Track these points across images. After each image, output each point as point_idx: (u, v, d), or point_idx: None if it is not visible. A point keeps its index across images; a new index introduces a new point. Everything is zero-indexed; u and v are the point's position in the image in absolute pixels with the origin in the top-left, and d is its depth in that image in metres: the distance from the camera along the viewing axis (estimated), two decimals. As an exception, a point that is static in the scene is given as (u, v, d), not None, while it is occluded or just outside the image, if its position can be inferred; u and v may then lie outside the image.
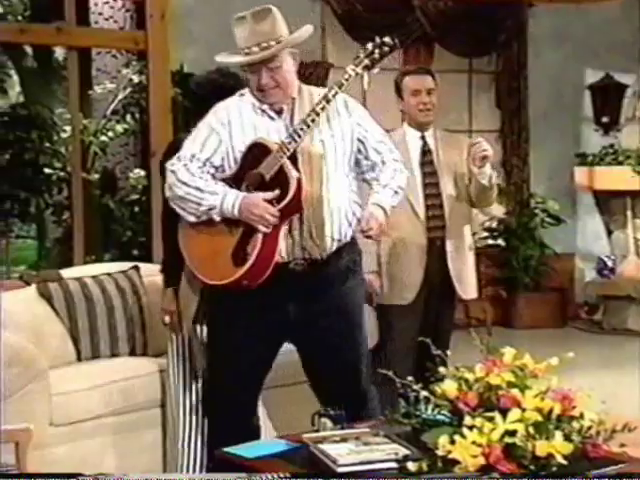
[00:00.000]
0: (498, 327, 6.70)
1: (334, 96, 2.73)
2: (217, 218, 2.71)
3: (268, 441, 2.70)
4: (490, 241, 7.16)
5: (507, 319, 6.94)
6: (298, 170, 2.68)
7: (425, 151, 3.56)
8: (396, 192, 2.88)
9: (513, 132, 7.17)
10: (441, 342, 3.29)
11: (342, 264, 2.83)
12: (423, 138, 3.57)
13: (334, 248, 2.79)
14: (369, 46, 2.79)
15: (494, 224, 7.16)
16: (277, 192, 2.66)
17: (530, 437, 1.99)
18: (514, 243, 6.99)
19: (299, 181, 2.67)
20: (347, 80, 2.75)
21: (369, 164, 2.87)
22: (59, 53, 7.52)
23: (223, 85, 3.03)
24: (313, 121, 2.70)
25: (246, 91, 2.82)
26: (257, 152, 2.72)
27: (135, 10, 5.85)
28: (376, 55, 2.78)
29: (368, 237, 2.81)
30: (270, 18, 2.76)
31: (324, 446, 2.44)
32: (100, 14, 6.09)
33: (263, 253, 2.69)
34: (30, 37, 5.18)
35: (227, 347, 2.86)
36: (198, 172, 2.75)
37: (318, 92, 2.81)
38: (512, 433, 2.02)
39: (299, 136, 2.68)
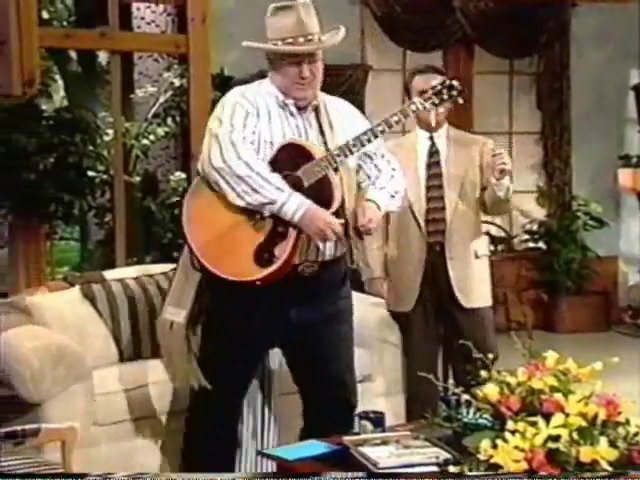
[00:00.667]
0: (539, 331, 6.63)
1: (397, 123, 2.73)
2: (266, 213, 2.59)
3: (309, 443, 2.70)
4: (531, 244, 7.09)
5: (548, 323, 6.86)
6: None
7: (432, 152, 3.48)
8: (392, 196, 2.83)
9: (555, 134, 7.08)
10: (462, 352, 3.23)
11: (343, 268, 2.82)
12: (431, 139, 3.49)
13: (344, 249, 2.77)
14: (437, 85, 2.80)
15: (535, 227, 7.09)
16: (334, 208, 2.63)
17: (574, 443, 1.97)
18: (555, 246, 6.90)
19: (342, 195, 2.64)
20: (414, 112, 2.79)
21: (367, 173, 2.85)
22: (102, 57, 7.62)
23: None
24: (369, 141, 2.68)
25: (266, 82, 2.75)
26: (294, 153, 2.65)
27: (176, 14, 5.91)
28: (444, 96, 2.79)
29: (366, 233, 2.73)
30: (313, 12, 2.76)
31: (364, 449, 2.44)
32: (142, 18, 6.16)
33: (289, 257, 2.63)
34: (75, 42, 5.26)
35: (225, 345, 2.75)
36: (254, 154, 2.60)
37: (328, 98, 2.86)
38: (555, 438, 2.00)
39: (351, 152, 2.65)
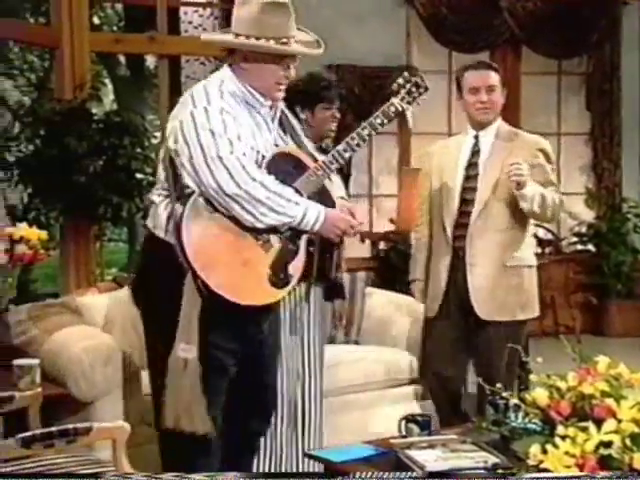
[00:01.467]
0: (588, 335, 6.52)
1: (380, 125, 2.66)
2: (283, 229, 2.49)
3: (355, 445, 2.70)
4: (579, 246, 6.99)
5: (597, 327, 6.74)
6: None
7: (474, 152, 3.23)
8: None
9: (604, 135, 6.97)
10: (488, 364, 3.12)
11: None
12: (476, 137, 3.25)
13: None
14: (404, 83, 2.72)
15: (584, 229, 6.99)
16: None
17: (627, 449, 1.93)
18: (605, 248, 6.79)
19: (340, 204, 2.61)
20: (394, 113, 2.69)
21: None
22: (150, 61, 7.74)
23: (306, 91, 3.02)
24: (358, 145, 2.63)
25: (228, 79, 2.47)
26: (285, 162, 2.54)
27: (223, 17, 5.97)
28: (415, 94, 2.72)
29: (355, 235, 2.69)
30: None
31: (411, 452, 2.43)
32: (190, 22, 6.24)
33: (303, 274, 2.57)
34: (124, 46, 5.36)
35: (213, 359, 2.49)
36: (261, 170, 2.44)
37: None
38: (607, 444, 1.96)
39: (343, 158, 2.58)
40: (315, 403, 3.03)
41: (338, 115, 3.06)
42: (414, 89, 2.72)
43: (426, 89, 2.73)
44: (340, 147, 2.63)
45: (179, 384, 2.39)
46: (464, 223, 3.17)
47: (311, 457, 2.70)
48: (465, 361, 3.32)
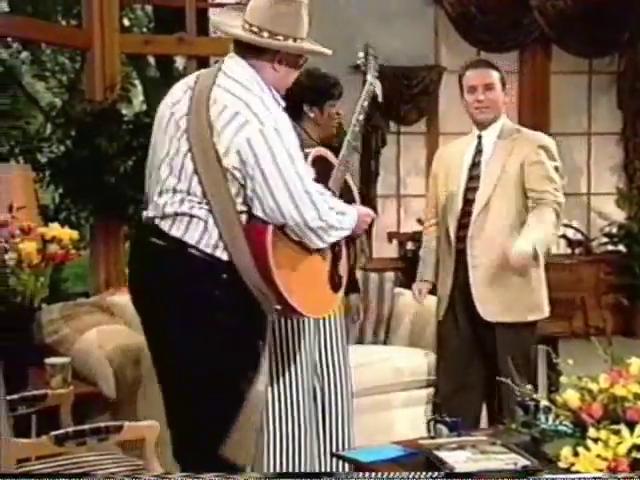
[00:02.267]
0: (618, 336, 6.45)
1: (368, 106, 2.70)
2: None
3: (384, 446, 2.69)
4: (610, 247, 6.92)
5: (629, 328, 6.67)
6: None
7: (477, 152, 3.17)
8: None
9: (636, 134, 6.89)
10: (496, 367, 3.01)
11: None
12: (480, 137, 3.17)
13: None
14: (362, 58, 2.81)
15: (614, 229, 6.91)
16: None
17: (660, 452, 1.91)
18: (636, 249, 6.72)
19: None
20: (372, 91, 2.73)
21: None
22: (179, 62, 7.79)
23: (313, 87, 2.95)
24: (360, 131, 2.70)
25: (257, 79, 2.29)
26: (321, 163, 2.55)
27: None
28: (376, 66, 2.78)
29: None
30: None
31: (440, 453, 2.42)
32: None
33: (347, 272, 2.59)
34: (153, 48, 5.40)
35: None
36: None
37: None
38: (640, 447, 1.94)
39: (355, 149, 2.63)
40: (338, 402, 3.02)
41: (342, 112, 3.00)
42: (374, 61, 2.78)
43: (376, 58, 2.77)
44: (349, 137, 2.66)
45: (254, 419, 2.27)
46: (467, 224, 3.11)
47: (339, 457, 2.70)
48: (479, 367, 3.21)
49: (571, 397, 2.18)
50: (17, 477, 2.16)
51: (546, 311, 3.19)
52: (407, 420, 3.51)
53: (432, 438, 2.61)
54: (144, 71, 8.00)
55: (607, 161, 7.05)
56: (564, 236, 6.82)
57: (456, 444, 2.48)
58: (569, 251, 6.76)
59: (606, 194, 7.01)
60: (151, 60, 7.93)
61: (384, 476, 1.99)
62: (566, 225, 6.96)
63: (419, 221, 5.81)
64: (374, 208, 6.45)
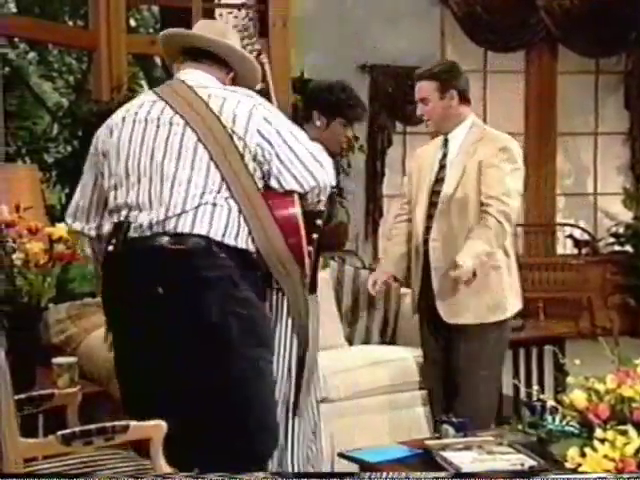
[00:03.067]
0: (625, 337, 6.43)
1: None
2: None
3: (390, 446, 2.69)
4: (617, 247, 6.90)
5: (636, 328, 6.65)
6: None
7: (443, 155, 3.15)
8: None
9: (643, 134, 6.88)
10: (459, 369, 3.04)
11: None
12: (446, 140, 3.15)
13: None
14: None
15: (621, 229, 6.90)
16: None
17: (667, 453, 1.90)
18: (643, 249, 6.70)
19: None
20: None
21: None
22: (185, 63, 7.79)
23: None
24: None
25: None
26: None
27: (258, 19, 5.99)
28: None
29: None
30: None
31: (446, 453, 2.42)
32: (225, 24, 6.28)
33: None
34: (159, 48, 5.41)
35: None
36: None
37: None
38: (647, 448, 1.94)
39: None
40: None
41: (350, 135, 2.99)
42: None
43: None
44: None
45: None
46: (430, 227, 3.11)
47: (346, 457, 2.69)
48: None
49: (578, 397, 2.17)
50: (20, 477, 2.18)
51: (508, 311, 3.12)
52: (413, 420, 3.51)
53: (438, 438, 2.61)
54: (150, 71, 8.01)
55: (614, 161, 7.03)
56: (571, 236, 6.81)
57: (462, 444, 2.48)
58: (576, 251, 6.74)
59: (613, 194, 6.99)
60: (157, 60, 7.95)
61: (400, 476, 1.99)
62: (573, 225, 6.95)
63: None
64: (380, 208, 6.45)
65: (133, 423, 2.05)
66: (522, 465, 2.26)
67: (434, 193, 3.13)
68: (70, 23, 7.28)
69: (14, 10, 6.24)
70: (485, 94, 6.77)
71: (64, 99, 7.87)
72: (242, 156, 2.20)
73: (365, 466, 2.57)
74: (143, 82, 8.06)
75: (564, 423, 2.22)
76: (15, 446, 1.98)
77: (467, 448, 2.45)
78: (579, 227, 6.88)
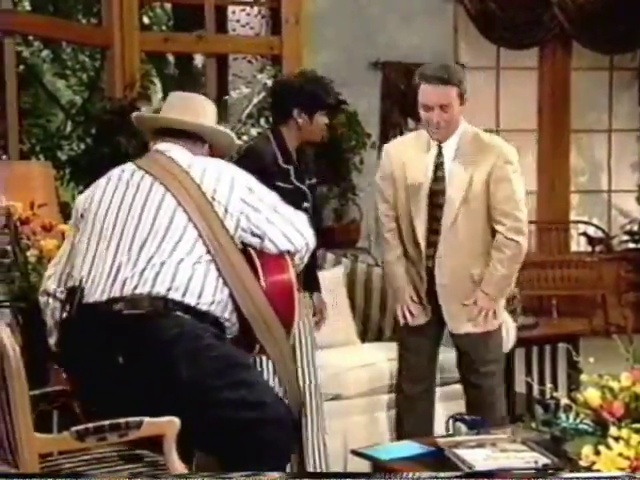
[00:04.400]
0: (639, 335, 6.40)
1: None
2: None
3: (403, 443, 2.69)
4: (631, 244, 6.86)
5: (649, 327, 6.61)
6: None
7: (437, 165, 2.99)
8: None
9: (657, 131, 6.83)
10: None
11: None
12: (440, 148, 2.99)
13: None
14: None
15: (635, 227, 6.86)
16: None
17: (683, 452, 1.89)
18: (657, 247, 6.66)
19: None
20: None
21: None
22: (198, 60, 7.81)
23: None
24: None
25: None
26: None
27: (270, 16, 6.00)
28: None
29: None
30: None
31: (459, 451, 2.42)
32: (237, 21, 6.29)
33: None
34: (173, 45, 5.42)
35: None
36: None
37: None
38: (662, 446, 1.92)
39: None
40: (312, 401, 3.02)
41: (327, 121, 2.96)
42: None
43: None
44: None
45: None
46: (435, 242, 3.02)
47: (359, 455, 2.70)
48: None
49: (592, 395, 2.16)
50: (18, 477, 2.19)
51: (503, 313, 3.20)
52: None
53: (451, 436, 2.60)
54: (163, 69, 8.03)
55: (628, 158, 6.99)
56: (585, 234, 6.78)
57: (475, 442, 2.48)
58: (589, 249, 6.71)
59: (627, 191, 6.95)
60: (170, 58, 7.97)
61: (413, 476, 1.99)
62: (587, 223, 6.91)
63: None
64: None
65: (147, 419, 2.05)
66: (536, 463, 2.26)
67: (434, 207, 3.00)
68: (83, 21, 7.30)
69: (28, 8, 6.27)
70: (498, 91, 6.74)
71: (77, 97, 7.89)
72: (222, 221, 2.21)
73: (378, 464, 2.57)
74: (156, 80, 8.08)
75: (578, 421, 2.21)
76: (30, 442, 1.99)
77: (480, 446, 2.45)
78: (593, 224, 6.84)
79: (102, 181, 2.36)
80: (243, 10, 6.29)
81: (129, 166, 2.35)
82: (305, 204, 2.89)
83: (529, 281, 6.01)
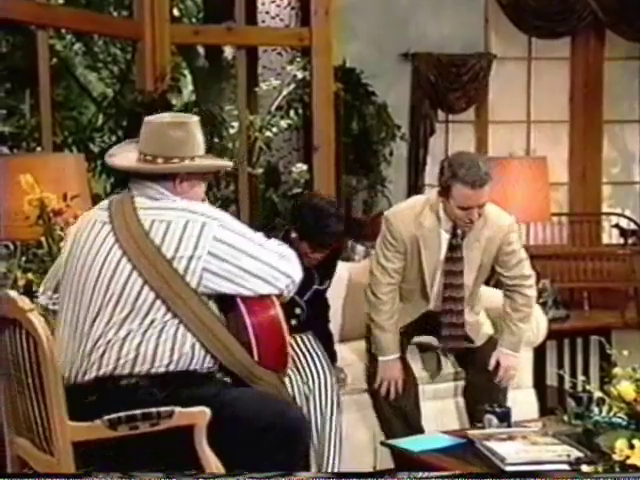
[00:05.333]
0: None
1: None
2: None
3: (433, 435, 2.68)
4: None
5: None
6: None
7: (453, 246, 3.03)
8: None
9: (692, 121, 6.72)
10: None
11: None
12: (454, 229, 3.01)
13: None
14: None
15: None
16: None
17: None
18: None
19: None
20: None
21: None
22: (228, 52, 7.82)
23: None
24: None
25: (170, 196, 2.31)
26: None
27: (300, 7, 5.98)
28: None
29: None
30: None
31: (490, 443, 2.41)
32: (267, 13, 6.28)
33: None
34: (203, 38, 5.43)
35: None
36: None
37: None
38: (697, 441, 1.90)
39: None
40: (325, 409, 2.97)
41: (319, 257, 2.88)
42: None
43: None
44: None
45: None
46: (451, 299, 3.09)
47: (388, 446, 2.70)
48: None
49: (626, 389, 2.14)
50: (19, 477, 2.22)
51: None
52: (455, 410, 3.48)
53: (482, 428, 2.59)
54: (194, 61, 8.05)
55: (662, 149, 6.90)
56: (617, 225, 6.69)
57: (506, 435, 2.46)
58: (622, 241, 6.62)
59: (659, 182, 6.86)
60: (200, 50, 7.98)
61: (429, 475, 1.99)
62: (619, 214, 6.82)
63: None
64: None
65: (178, 409, 2.07)
66: (568, 456, 2.24)
67: (448, 274, 3.05)
68: (115, 14, 7.34)
69: (61, 1, 6.32)
70: (530, 82, 6.67)
71: (109, 89, 7.94)
72: (183, 277, 2.14)
73: (408, 456, 2.56)
74: (186, 72, 8.11)
75: (611, 414, 2.19)
76: (64, 429, 2.02)
77: (511, 438, 2.43)
78: (625, 216, 6.75)
79: (85, 223, 2.29)
80: (273, 2, 6.28)
81: (101, 216, 2.26)
82: (297, 311, 2.93)
83: (560, 273, 5.96)
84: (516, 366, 3.11)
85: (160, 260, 2.14)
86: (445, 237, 3.03)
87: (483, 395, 2.97)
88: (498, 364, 3.07)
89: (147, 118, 2.33)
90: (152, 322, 2.15)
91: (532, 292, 3.15)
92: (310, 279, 2.89)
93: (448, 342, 3.13)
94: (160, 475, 2.03)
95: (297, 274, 2.27)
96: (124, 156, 2.32)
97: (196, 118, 2.32)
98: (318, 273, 2.97)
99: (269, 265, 2.22)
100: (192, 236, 2.16)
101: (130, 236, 2.18)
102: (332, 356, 3.06)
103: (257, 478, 1.99)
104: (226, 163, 2.60)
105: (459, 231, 3.00)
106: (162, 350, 2.14)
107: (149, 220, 2.19)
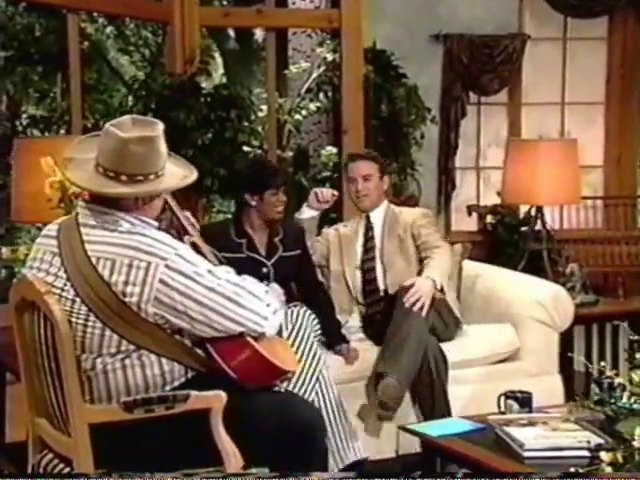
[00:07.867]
0: None
1: None
2: None
3: (453, 420, 2.66)
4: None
5: None
6: None
7: (368, 228, 3.51)
8: None
9: None
10: None
11: None
12: (367, 218, 3.52)
13: None
14: None
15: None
16: None
17: None
18: None
19: None
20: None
21: None
22: (258, 35, 7.81)
23: None
24: None
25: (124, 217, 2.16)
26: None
27: (329, -10, 5.93)
28: None
29: None
30: None
31: (510, 429, 2.38)
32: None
33: None
34: (233, 20, 5.42)
35: None
36: None
37: None
38: None
39: None
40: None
41: (284, 198, 3.14)
42: None
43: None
44: None
45: None
46: (372, 279, 3.44)
47: (408, 431, 2.68)
48: None
49: (647, 375, 2.10)
50: (19, 477, 2.24)
51: None
52: (484, 395, 3.44)
53: (502, 413, 2.56)
54: (224, 44, 8.05)
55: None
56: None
57: (526, 420, 2.44)
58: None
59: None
60: (231, 33, 7.98)
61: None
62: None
63: (498, 194, 5.68)
64: (452, 181, 6.35)
65: (194, 393, 2.07)
66: (588, 443, 2.20)
67: (367, 282, 3.45)
68: (146, -3, 7.37)
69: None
70: (565, 63, 6.55)
71: (141, 72, 7.99)
72: (138, 314, 2.05)
73: (428, 440, 2.55)
74: (216, 54, 8.11)
75: (632, 401, 2.15)
76: (80, 411, 2.04)
77: (531, 424, 2.40)
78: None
79: (36, 252, 2.18)
80: (303, -17, 6.24)
81: (50, 246, 2.14)
82: (264, 270, 3.10)
83: (594, 258, 5.87)
84: (428, 292, 3.14)
85: (112, 297, 2.04)
86: (361, 232, 3.53)
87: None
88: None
89: (107, 128, 2.11)
90: (112, 362, 2.09)
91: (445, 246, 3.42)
92: (274, 247, 3.17)
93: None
94: (166, 475, 2.04)
95: (258, 307, 2.12)
96: (84, 170, 2.13)
97: (160, 128, 2.15)
98: (282, 242, 3.18)
99: (236, 303, 2.09)
100: (137, 277, 2.03)
101: (78, 272, 2.07)
102: (332, 326, 3.20)
103: (264, 477, 1.99)
104: (191, 179, 2.23)
105: (372, 221, 3.50)
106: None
107: (95, 257, 2.06)
